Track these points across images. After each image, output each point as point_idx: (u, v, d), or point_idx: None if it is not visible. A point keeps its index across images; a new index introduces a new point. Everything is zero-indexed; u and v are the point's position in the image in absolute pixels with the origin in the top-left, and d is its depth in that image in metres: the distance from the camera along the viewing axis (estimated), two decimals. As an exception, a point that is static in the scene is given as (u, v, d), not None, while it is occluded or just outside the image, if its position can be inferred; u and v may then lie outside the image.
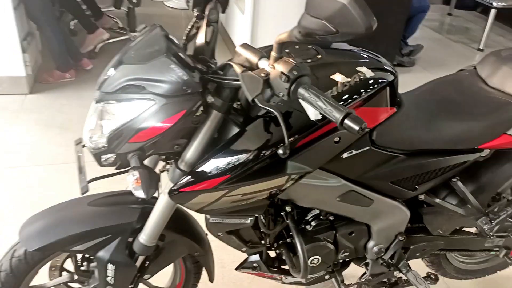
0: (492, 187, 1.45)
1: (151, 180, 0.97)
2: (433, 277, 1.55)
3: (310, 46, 1.15)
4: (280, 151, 0.89)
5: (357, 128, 0.79)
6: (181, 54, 0.99)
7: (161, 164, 1.23)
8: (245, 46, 0.97)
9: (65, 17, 3.95)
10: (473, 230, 1.66)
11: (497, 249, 1.63)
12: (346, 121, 0.80)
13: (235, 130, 1.07)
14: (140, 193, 0.96)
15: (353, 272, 1.57)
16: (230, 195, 1.07)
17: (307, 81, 0.86)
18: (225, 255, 1.88)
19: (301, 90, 0.85)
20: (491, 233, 1.51)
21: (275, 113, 0.87)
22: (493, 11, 4.21)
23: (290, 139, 1.05)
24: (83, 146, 1.15)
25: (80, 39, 3.79)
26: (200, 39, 1.12)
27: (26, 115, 2.87)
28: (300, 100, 1.00)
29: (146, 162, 1.07)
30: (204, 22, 1.12)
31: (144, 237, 1.18)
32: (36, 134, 2.68)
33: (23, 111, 2.90)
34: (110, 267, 1.19)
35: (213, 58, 1.13)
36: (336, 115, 0.81)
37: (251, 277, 1.84)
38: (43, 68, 3.40)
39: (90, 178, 1.15)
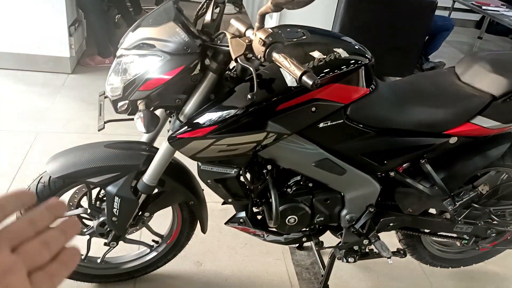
0: (461, 175, 1.59)
1: (152, 120, 1.20)
2: (402, 252, 1.71)
3: (299, 30, 1.36)
4: (249, 96, 1.10)
5: (311, 82, 1.00)
6: (186, 23, 1.23)
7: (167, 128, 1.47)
8: (236, 19, 1.20)
9: (111, 12, 4.36)
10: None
11: (467, 236, 1.77)
12: (303, 77, 1.01)
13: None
14: (142, 129, 1.19)
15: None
16: (217, 144, 1.29)
17: (280, 46, 1.07)
18: (223, 223, 2.09)
19: (274, 53, 1.07)
20: (458, 218, 1.66)
21: (250, 68, 1.09)
22: (518, 36, 4.29)
23: (272, 100, 1.25)
24: (105, 97, 1.41)
25: (123, 32, 4.14)
26: (208, 16, 1.36)
27: (66, 91, 3.20)
28: (281, 69, 1.22)
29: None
30: (212, 3, 1.35)
31: (147, 177, 1.42)
32: (74, 107, 3.00)
33: (65, 88, 3.25)
34: (117, 199, 1.43)
35: (217, 32, 1.37)
36: (296, 72, 1.02)
37: (244, 243, 2.04)
38: (86, 53, 3.76)
39: (107, 119, 1.40)
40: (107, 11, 4.08)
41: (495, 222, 1.74)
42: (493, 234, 1.76)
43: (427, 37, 3.97)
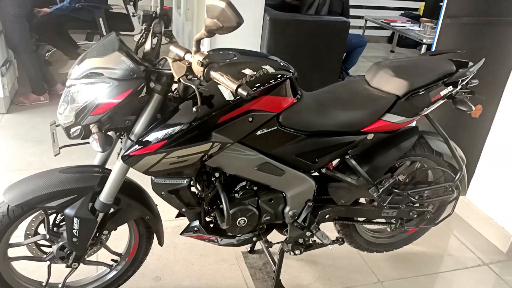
0: (381, 166, 1.84)
1: (106, 139, 1.33)
2: (340, 240, 1.92)
3: (230, 52, 1.56)
4: (194, 109, 1.27)
5: (245, 93, 1.18)
6: (129, 51, 1.38)
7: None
8: (175, 45, 1.37)
9: (41, 50, 4.36)
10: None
11: (394, 220, 2.03)
12: (239, 89, 1.19)
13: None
14: (98, 149, 1.31)
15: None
16: (168, 157, 1.43)
17: (216, 66, 1.26)
18: (177, 239, 2.21)
19: (212, 72, 1.25)
20: (384, 204, 1.91)
21: (192, 86, 1.26)
22: (424, 46, 4.85)
23: (213, 113, 1.42)
24: (57, 125, 1.51)
25: (54, 68, 4.16)
26: (148, 45, 1.53)
27: (3, 131, 3.18)
28: (219, 86, 1.40)
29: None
30: (150, 33, 1.52)
31: (103, 196, 1.52)
32: (13, 146, 2.99)
33: (1, 128, 3.22)
34: (76, 220, 1.51)
35: (157, 59, 1.53)
36: (232, 86, 1.20)
37: (199, 254, 2.17)
38: (18, 92, 3.74)
39: (61, 145, 1.50)
40: (36, 50, 4.09)
41: (415, 204, 2.01)
42: (415, 216, 2.03)
43: (344, 54, 4.37)
